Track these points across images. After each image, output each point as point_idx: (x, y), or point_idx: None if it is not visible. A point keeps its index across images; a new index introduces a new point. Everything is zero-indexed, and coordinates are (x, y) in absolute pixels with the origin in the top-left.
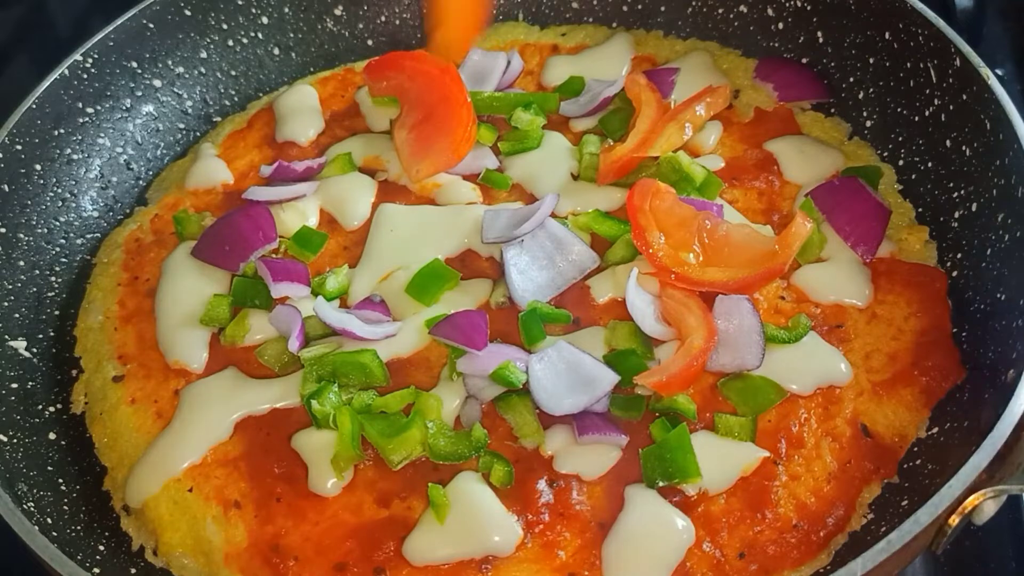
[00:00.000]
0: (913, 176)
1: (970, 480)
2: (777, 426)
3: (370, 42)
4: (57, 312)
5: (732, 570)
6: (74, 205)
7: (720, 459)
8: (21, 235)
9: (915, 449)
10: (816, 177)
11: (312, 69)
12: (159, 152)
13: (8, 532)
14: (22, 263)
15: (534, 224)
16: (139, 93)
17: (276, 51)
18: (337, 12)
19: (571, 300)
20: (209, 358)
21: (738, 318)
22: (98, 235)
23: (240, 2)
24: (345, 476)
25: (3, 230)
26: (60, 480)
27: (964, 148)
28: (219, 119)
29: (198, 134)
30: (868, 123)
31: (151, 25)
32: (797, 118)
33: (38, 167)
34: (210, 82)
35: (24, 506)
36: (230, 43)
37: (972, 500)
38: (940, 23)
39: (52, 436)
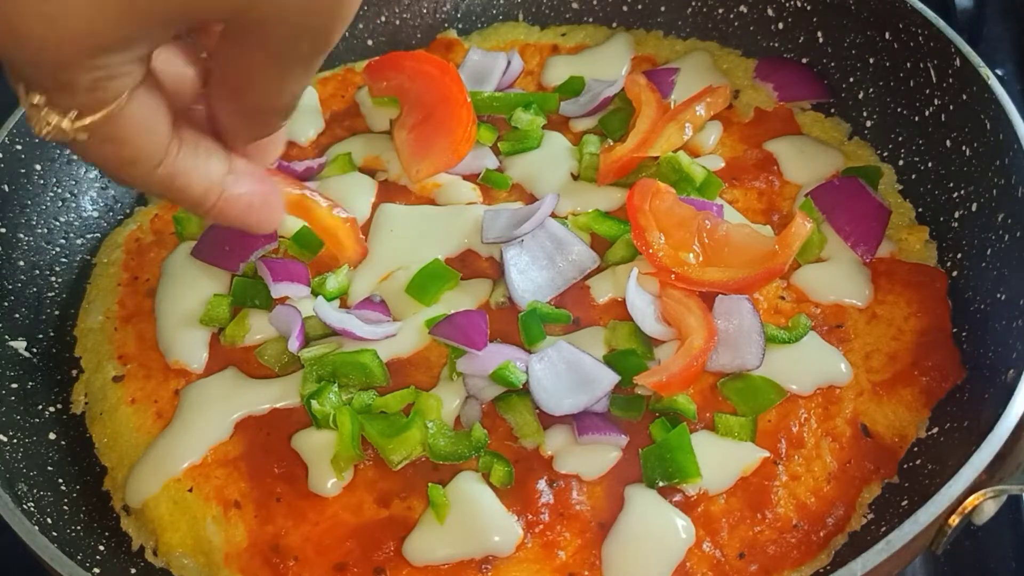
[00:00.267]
0: (913, 176)
1: (970, 480)
2: (777, 426)
3: (370, 42)
4: (57, 312)
5: (732, 570)
6: (74, 205)
7: (720, 459)
8: (21, 235)
9: (915, 449)
10: (816, 177)
11: None
12: None
13: (8, 532)
14: (22, 263)
15: (534, 224)
16: None
17: None
18: None
19: (571, 300)
20: (209, 358)
21: (738, 318)
22: (98, 235)
23: None
24: (345, 476)
25: (3, 230)
26: (60, 480)
27: (964, 148)
28: None
29: None
30: (868, 123)
31: None
32: (797, 118)
33: (38, 167)
34: None
35: (24, 506)
36: None
37: (972, 500)
38: (940, 23)
39: (52, 436)
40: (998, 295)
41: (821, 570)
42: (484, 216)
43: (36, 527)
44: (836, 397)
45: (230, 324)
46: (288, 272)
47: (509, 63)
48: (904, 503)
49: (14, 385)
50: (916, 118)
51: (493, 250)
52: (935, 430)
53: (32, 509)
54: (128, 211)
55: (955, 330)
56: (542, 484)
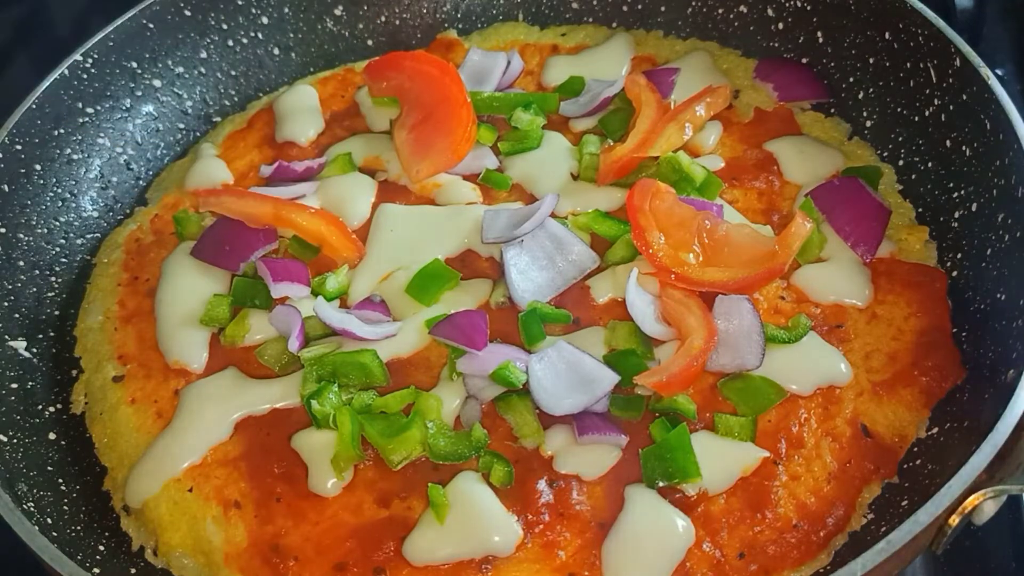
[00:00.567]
0: (913, 176)
1: (970, 480)
2: (777, 426)
3: (370, 42)
4: (57, 312)
5: (732, 570)
6: (74, 205)
7: (720, 459)
8: (21, 235)
9: (915, 449)
10: (816, 177)
11: (312, 69)
12: (159, 152)
13: (8, 532)
14: (22, 263)
15: (534, 224)
16: (139, 93)
17: (276, 51)
18: (337, 12)
19: (571, 300)
20: (209, 358)
21: (738, 318)
22: (98, 235)
23: (240, 2)
24: (345, 476)
25: (3, 230)
26: (60, 480)
27: (964, 148)
28: (219, 119)
29: (198, 134)
30: (868, 123)
31: (151, 25)
32: (797, 118)
33: (38, 167)
34: (210, 82)
35: (24, 506)
36: (230, 43)
37: (972, 500)
38: (940, 23)
39: (52, 436)
40: (998, 295)
41: (821, 570)
42: (484, 216)
43: (36, 527)
44: (836, 397)
45: (230, 324)
46: (288, 272)
47: (509, 63)
48: (904, 503)
49: (14, 385)
50: (916, 118)
51: (493, 250)
52: (935, 430)
53: (32, 509)
54: (128, 211)
55: (955, 330)
56: (542, 484)
